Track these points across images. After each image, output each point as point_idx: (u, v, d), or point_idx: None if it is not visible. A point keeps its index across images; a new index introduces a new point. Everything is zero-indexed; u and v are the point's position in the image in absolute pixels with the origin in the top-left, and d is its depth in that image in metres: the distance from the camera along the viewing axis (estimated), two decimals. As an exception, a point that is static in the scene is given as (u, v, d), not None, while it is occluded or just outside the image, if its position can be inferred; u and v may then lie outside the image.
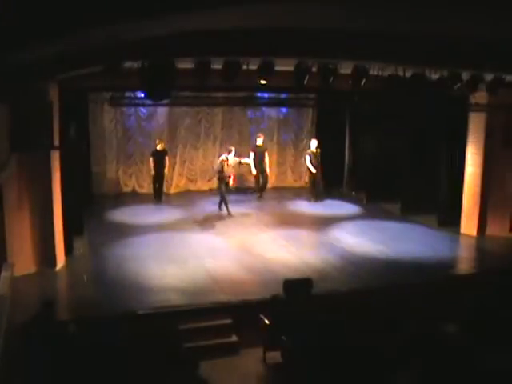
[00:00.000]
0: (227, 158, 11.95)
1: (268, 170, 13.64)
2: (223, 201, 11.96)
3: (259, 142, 13.47)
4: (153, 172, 12.99)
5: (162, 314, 6.88)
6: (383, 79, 7.06)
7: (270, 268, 8.55)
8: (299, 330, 5.90)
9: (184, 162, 14.61)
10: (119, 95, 8.23)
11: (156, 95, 6.56)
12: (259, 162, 13.39)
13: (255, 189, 13.76)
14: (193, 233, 10.53)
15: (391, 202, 12.65)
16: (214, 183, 14.90)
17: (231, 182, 12.46)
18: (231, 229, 10.85)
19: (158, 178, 13.07)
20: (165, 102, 11.39)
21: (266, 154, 13.55)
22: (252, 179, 14.22)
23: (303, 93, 13.25)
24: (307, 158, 13.33)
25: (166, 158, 13.03)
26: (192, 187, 14.83)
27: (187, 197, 14.10)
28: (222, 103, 13.58)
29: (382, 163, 13.23)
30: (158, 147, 12.93)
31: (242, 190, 14.31)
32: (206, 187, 14.89)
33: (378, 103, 8.90)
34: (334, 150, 14.55)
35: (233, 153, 12.13)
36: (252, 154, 13.35)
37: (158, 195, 13.14)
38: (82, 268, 8.47)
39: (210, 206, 12.69)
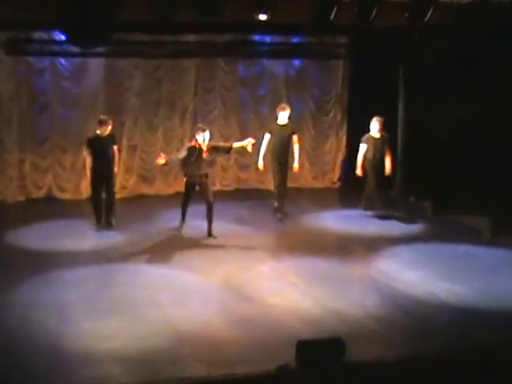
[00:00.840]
0: (200, 141, 11.76)
1: (297, 164, 13.33)
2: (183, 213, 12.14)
3: (282, 118, 12.99)
4: (89, 174, 12.27)
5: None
6: (460, 8, 7.07)
7: (274, 321, 8.53)
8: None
9: (134, 148, 14.66)
10: (23, 37, 8.21)
11: (85, 38, 6.55)
12: (281, 151, 13.00)
13: (274, 198, 13.39)
14: (149, 265, 10.55)
15: (475, 214, 12.66)
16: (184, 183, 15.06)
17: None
18: (212, 259, 10.87)
19: (101, 185, 12.28)
20: (100, 49, 11.49)
21: (295, 138, 13.17)
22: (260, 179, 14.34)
23: (328, 35, 13.43)
24: (362, 147, 13.28)
25: (115, 148, 12.32)
26: (147, 190, 14.84)
27: (140, 206, 14.10)
28: (196, 52, 13.70)
29: (458, 152, 13.25)
30: (100, 131, 12.08)
31: (243, 193, 14.50)
32: (170, 190, 14.92)
33: (453, 49, 8.89)
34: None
35: (207, 134, 11.82)
36: (267, 137, 13.10)
37: (100, 216, 12.33)
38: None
39: (176, 222, 12.69)
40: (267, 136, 13.04)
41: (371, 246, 11.69)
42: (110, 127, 12.18)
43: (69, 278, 9.95)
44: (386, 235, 12.40)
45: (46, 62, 13.66)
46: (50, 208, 13.67)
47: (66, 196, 14.27)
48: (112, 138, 12.36)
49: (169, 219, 12.96)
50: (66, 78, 14.03)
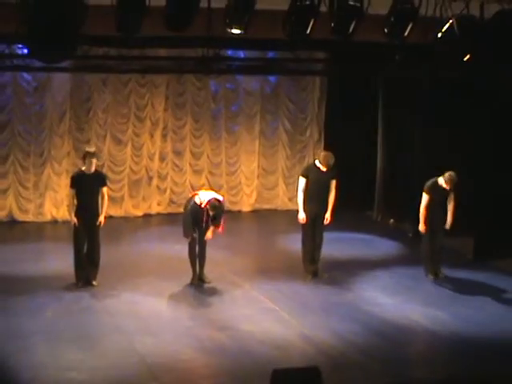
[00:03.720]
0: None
1: (329, 214, 11.37)
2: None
3: (326, 164, 11.24)
4: (73, 221, 10.66)
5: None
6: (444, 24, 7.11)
7: (249, 351, 8.48)
8: None
9: (101, 167, 14.56)
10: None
11: (49, 53, 6.49)
12: (315, 197, 11.28)
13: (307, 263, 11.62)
14: (115, 291, 10.48)
15: (457, 236, 12.70)
16: (154, 204, 15.01)
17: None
18: (181, 283, 10.84)
19: (84, 237, 10.75)
20: (66, 63, 11.41)
21: (334, 183, 11.43)
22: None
23: (305, 50, 13.49)
24: (424, 198, 11.25)
25: (103, 190, 10.82)
26: (115, 211, 14.77)
27: (106, 228, 13.99)
28: (167, 68, 13.71)
29: (440, 171, 13.32)
30: (85, 167, 10.59)
31: None
32: (138, 212, 14.90)
33: (435, 66, 8.95)
34: (359, 149, 14.68)
35: None
36: (302, 182, 11.36)
37: (81, 277, 10.69)
38: None
39: (144, 245, 12.61)
40: (302, 181, 11.39)
41: (349, 269, 11.72)
42: (94, 161, 10.62)
43: (29, 304, 9.83)
44: (365, 259, 12.45)
45: (7, 77, 13.62)
46: (10, 231, 13.55)
47: (28, 218, 14.16)
48: (100, 177, 10.88)
49: (136, 242, 12.93)
50: (28, 94, 13.99)
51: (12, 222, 14.09)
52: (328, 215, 11.34)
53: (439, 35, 7.13)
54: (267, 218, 13.88)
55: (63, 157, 14.35)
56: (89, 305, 9.92)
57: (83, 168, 10.56)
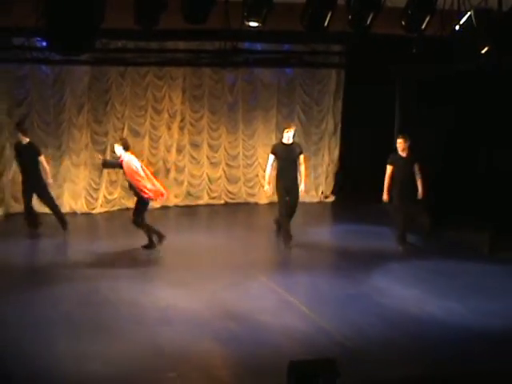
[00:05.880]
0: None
1: (303, 186, 12.62)
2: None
3: (287, 137, 12.39)
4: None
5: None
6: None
7: (266, 342, 8.48)
8: None
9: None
10: (2, 43, 8.19)
11: (68, 45, 6.49)
12: (285, 173, 12.35)
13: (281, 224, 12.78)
14: (133, 282, 10.51)
15: (473, 230, 12.69)
16: (171, 196, 15.04)
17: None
18: (199, 275, 10.84)
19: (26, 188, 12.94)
20: (84, 56, 11.44)
21: (302, 158, 12.53)
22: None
23: (322, 43, 13.46)
24: (387, 169, 12.32)
25: (40, 158, 12.61)
26: (132, 203, 14.76)
27: (124, 220, 14.05)
28: (185, 61, 13.72)
29: (456, 164, 13.27)
30: (23, 139, 12.63)
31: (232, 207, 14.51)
32: (156, 203, 14.91)
33: (452, 60, 8.91)
34: (375, 142, 14.63)
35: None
36: (271, 158, 12.51)
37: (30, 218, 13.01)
38: None
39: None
40: (270, 157, 12.51)
41: (364, 261, 11.70)
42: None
43: (48, 295, 9.90)
44: (380, 250, 12.43)
45: (26, 69, 13.63)
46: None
47: (47, 209, 14.17)
48: (31, 147, 12.60)
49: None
50: (47, 86, 14.00)
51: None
52: (302, 187, 12.49)
53: (457, 28, 7.08)
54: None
55: (81, 149, 14.41)
56: (107, 296, 9.92)
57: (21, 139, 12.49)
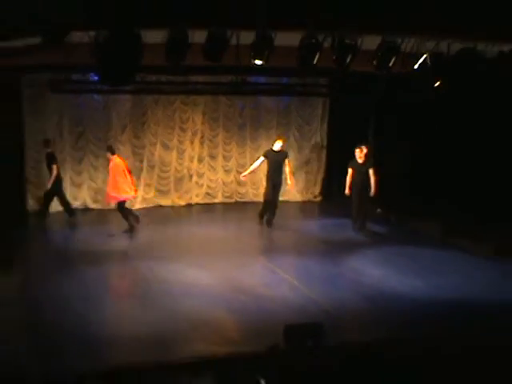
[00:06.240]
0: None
1: (290, 181, 13.14)
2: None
3: (277, 146, 12.89)
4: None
5: (120, 375, 6.75)
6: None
7: (267, 310, 8.50)
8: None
9: (153, 167, 14.62)
10: (64, 78, 8.19)
11: (115, 79, 6.51)
12: (273, 173, 12.82)
13: (265, 210, 13.15)
14: (164, 263, 10.47)
15: (429, 221, 12.65)
16: (193, 195, 15.03)
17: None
18: (215, 258, 10.82)
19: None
20: (127, 87, 11.45)
21: (287, 161, 12.97)
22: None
23: (312, 77, 13.42)
24: (348, 171, 12.73)
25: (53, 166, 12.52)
26: (164, 202, 14.81)
27: (157, 215, 14.06)
28: (204, 90, 13.72)
29: (416, 171, 13.24)
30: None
31: (241, 205, 14.42)
32: (181, 201, 14.91)
33: (414, 91, 8.91)
34: (354, 153, 14.57)
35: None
36: (260, 159, 12.98)
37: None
38: (10, 313, 8.29)
39: (186, 227, 12.64)
40: (261, 158, 12.99)
41: (344, 247, 11.65)
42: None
43: (96, 273, 9.87)
44: (357, 238, 12.36)
45: (82, 98, 13.64)
46: (83, 216, 13.62)
47: (98, 206, 14.22)
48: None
49: (180, 225, 13.02)
50: (98, 110, 14.00)
51: (85, 210, 14.11)
52: (289, 181, 13.09)
53: (416, 67, 7.08)
54: (281, 208, 13.80)
55: (124, 159, 14.35)
56: (144, 274, 9.91)
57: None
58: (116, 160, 12.07)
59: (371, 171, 12.39)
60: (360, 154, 12.47)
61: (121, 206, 12.17)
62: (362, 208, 12.68)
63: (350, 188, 12.63)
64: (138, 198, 14.44)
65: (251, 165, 13.48)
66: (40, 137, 13.15)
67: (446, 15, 5.82)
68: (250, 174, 13.43)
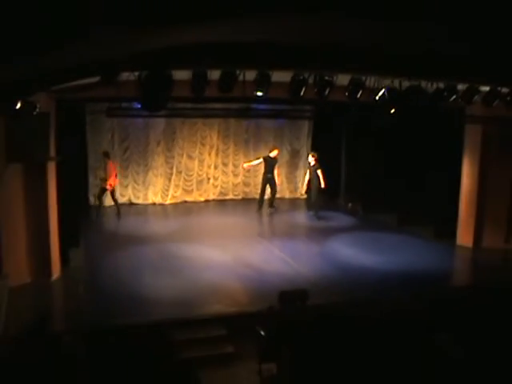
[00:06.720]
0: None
1: (277, 180, 13.51)
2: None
3: (272, 154, 13.38)
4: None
5: (157, 325, 6.83)
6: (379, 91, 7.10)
7: (266, 279, 8.53)
8: (295, 342, 5.87)
9: (180, 172, 14.66)
10: (116, 106, 8.25)
11: (152, 106, 6.56)
12: (268, 172, 13.26)
13: (267, 200, 13.58)
14: (189, 244, 10.50)
15: (388, 213, 12.67)
16: (210, 193, 15.06)
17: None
18: (227, 240, 10.82)
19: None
20: (161, 112, 11.48)
21: (276, 166, 13.45)
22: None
23: (299, 104, 13.40)
24: (307, 173, 13.38)
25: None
26: (188, 198, 14.85)
27: (183, 208, 14.11)
28: (219, 115, 13.70)
29: (378, 175, 13.27)
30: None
31: (247, 200, 14.38)
32: (201, 198, 14.94)
33: (375, 116, 8.93)
34: (331, 162, 14.60)
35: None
36: (260, 160, 13.43)
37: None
38: (78, 279, 8.41)
39: (205, 218, 12.68)
40: (260, 159, 13.39)
41: (324, 233, 11.68)
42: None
43: (140, 251, 9.92)
44: (334, 226, 12.36)
45: (128, 120, 13.69)
46: (129, 209, 13.67)
47: (139, 201, 14.27)
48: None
49: (200, 216, 13.05)
50: (140, 129, 14.04)
51: (130, 204, 14.13)
52: (277, 181, 13.38)
53: (377, 98, 7.13)
54: (276, 203, 13.84)
55: (159, 166, 14.39)
56: (174, 252, 9.96)
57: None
58: (110, 162, 12.39)
59: (320, 171, 12.68)
60: (312, 159, 12.77)
61: (113, 193, 12.65)
62: (317, 198, 12.91)
63: (308, 185, 12.98)
64: (168, 195, 14.50)
65: (254, 160, 13.85)
66: (98, 149, 13.19)
67: (398, 60, 5.94)
68: (249, 166, 13.94)
